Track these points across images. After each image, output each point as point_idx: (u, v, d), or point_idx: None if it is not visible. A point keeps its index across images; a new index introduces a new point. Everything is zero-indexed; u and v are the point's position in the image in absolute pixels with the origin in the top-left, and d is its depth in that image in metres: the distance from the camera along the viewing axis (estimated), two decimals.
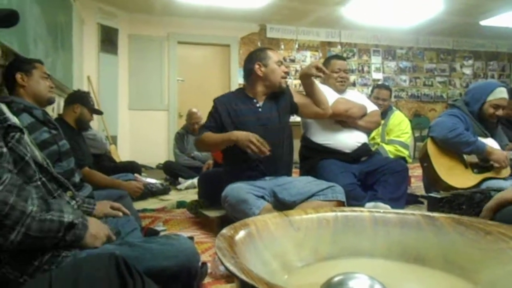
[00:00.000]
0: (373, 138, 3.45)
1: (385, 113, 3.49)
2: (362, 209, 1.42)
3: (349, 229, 1.31)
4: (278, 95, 2.36)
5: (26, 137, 1.06)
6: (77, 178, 1.83)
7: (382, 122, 3.40)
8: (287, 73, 2.34)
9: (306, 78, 2.36)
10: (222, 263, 0.86)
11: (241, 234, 1.10)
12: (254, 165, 2.20)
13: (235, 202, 1.99)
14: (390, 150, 3.35)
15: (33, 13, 2.83)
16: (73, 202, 1.18)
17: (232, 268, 0.83)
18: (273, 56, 2.32)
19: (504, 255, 1.03)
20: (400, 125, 3.51)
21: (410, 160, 3.54)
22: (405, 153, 3.40)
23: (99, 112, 3.17)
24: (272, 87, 2.32)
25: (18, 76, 1.78)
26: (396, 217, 1.32)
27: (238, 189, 2.03)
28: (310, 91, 2.39)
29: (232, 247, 0.97)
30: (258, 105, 2.31)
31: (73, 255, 0.96)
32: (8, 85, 1.83)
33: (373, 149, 3.22)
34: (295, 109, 2.41)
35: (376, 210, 1.38)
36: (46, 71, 1.91)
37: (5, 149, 0.93)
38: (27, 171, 1.02)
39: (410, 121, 3.95)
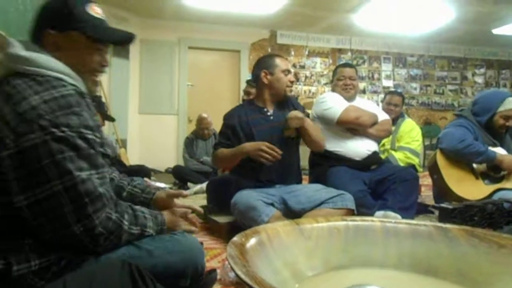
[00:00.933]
0: (383, 145, 3.43)
1: (396, 120, 3.48)
2: (373, 218, 1.42)
3: (360, 239, 1.30)
4: (289, 105, 2.37)
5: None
6: None
7: (393, 128, 3.40)
8: (292, 82, 2.36)
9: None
10: (234, 272, 0.86)
11: (252, 241, 1.11)
12: (265, 174, 2.20)
13: (244, 209, 2.00)
14: (400, 158, 3.33)
15: None
16: None
17: (244, 277, 0.83)
18: (280, 64, 2.31)
19: None
20: (411, 133, 3.49)
21: (420, 169, 3.52)
22: (415, 160, 3.37)
23: (112, 119, 3.19)
24: (276, 95, 2.34)
25: None
26: (408, 227, 1.31)
27: (247, 196, 2.04)
28: (302, 134, 2.31)
29: (243, 255, 0.97)
30: (269, 113, 2.32)
31: (88, 260, 0.97)
32: None
33: (382, 156, 3.21)
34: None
35: (387, 220, 1.37)
36: None
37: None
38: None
39: (421, 128, 3.93)
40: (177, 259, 1.01)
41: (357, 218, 1.42)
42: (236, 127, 2.28)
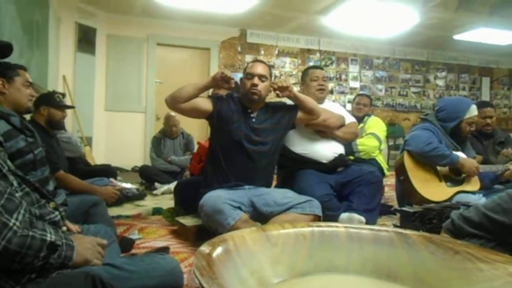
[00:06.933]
0: None
1: (363, 118, 3.69)
2: (337, 224, 1.46)
3: (325, 245, 1.34)
4: (277, 110, 2.39)
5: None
6: (51, 186, 1.80)
7: (361, 125, 3.55)
8: (253, 85, 2.26)
9: (283, 92, 2.32)
10: (200, 284, 0.87)
11: (219, 250, 1.12)
12: (236, 173, 2.22)
13: (211, 212, 1.99)
14: (361, 142, 3.42)
15: (8, 12, 2.76)
16: (56, 213, 1.17)
17: None
18: (247, 68, 2.34)
19: (470, 275, 1.07)
20: (376, 124, 3.68)
21: (387, 173, 3.65)
22: (375, 144, 3.49)
23: (69, 107, 3.07)
24: (244, 99, 2.34)
25: None
26: (370, 233, 1.35)
27: (214, 199, 2.03)
28: (297, 103, 2.40)
29: (210, 265, 0.98)
30: (252, 115, 2.33)
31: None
32: None
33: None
34: (292, 126, 2.46)
35: (351, 226, 1.41)
36: (29, 78, 1.86)
37: None
38: (1, 184, 1.00)
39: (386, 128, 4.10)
40: (157, 283, 1.00)
41: (323, 224, 1.46)
42: (223, 110, 2.28)
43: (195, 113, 2.31)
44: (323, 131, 2.69)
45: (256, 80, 2.27)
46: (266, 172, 2.37)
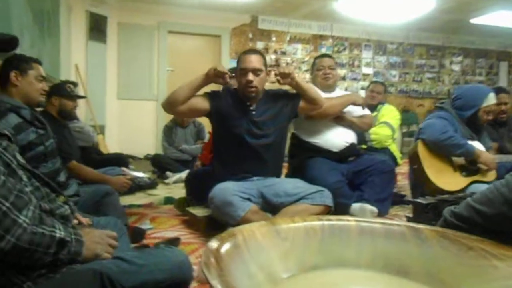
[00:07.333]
0: None
1: (377, 106, 3.64)
2: (348, 218, 1.43)
3: (335, 239, 1.32)
4: (278, 98, 2.32)
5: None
6: (62, 178, 1.81)
7: (374, 113, 3.48)
8: (248, 82, 2.15)
9: (284, 79, 2.23)
10: (208, 282, 0.87)
11: (228, 245, 1.10)
12: (242, 166, 2.20)
13: (220, 204, 2.00)
14: (374, 131, 3.38)
15: (18, 2, 2.76)
16: (66, 207, 1.18)
17: (217, 286, 0.83)
18: (240, 63, 2.23)
19: (484, 273, 1.05)
20: (390, 112, 3.64)
21: (400, 162, 3.61)
22: (388, 133, 3.44)
23: (80, 97, 3.08)
24: (241, 95, 2.26)
25: (12, 74, 1.72)
26: (382, 227, 1.33)
27: (224, 191, 2.03)
28: (299, 92, 2.34)
29: (218, 261, 0.98)
30: (251, 108, 2.27)
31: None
32: (1, 82, 1.76)
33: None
34: (295, 115, 2.39)
35: (362, 220, 1.39)
36: (43, 73, 1.85)
37: None
38: (10, 180, 1.01)
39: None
40: (166, 277, 1.00)
41: (333, 217, 1.43)
42: (221, 107, 2.23)
43: (193, 113, 2.29)
44: (340, 118, 2.66)
45: (250, 76, 2.15)
46: (273, 163, 2.32)
